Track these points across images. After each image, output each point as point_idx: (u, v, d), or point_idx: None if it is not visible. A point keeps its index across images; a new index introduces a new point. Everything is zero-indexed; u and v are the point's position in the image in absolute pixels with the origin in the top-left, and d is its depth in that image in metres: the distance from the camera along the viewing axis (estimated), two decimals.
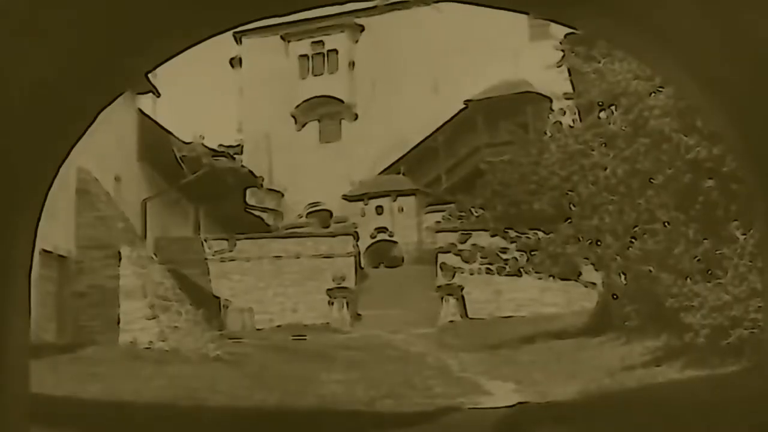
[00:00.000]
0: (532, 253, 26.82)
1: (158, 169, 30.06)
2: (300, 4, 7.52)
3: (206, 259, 36.94)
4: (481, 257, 35.71)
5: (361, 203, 49.57)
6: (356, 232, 42.97)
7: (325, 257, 39.02)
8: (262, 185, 49.12)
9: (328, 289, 36.09)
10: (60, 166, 7.04)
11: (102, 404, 11.89)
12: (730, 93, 6.45)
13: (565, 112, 27.64)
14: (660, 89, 16.10)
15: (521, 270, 28.84)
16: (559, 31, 22.51)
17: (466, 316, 35.26)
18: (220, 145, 46.56)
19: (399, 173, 50.89)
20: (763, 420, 6.70)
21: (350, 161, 52.27)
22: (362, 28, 55.40)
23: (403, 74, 51.79)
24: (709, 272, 14.20)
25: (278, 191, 54.39)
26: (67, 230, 20.14)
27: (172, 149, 31.49)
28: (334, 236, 41.29)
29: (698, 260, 14.56)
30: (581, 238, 22.80)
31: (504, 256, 30.45)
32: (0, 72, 5.93)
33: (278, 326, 35.28)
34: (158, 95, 27.95)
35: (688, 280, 14.47)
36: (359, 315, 35.84)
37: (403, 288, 37.71)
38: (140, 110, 27.43)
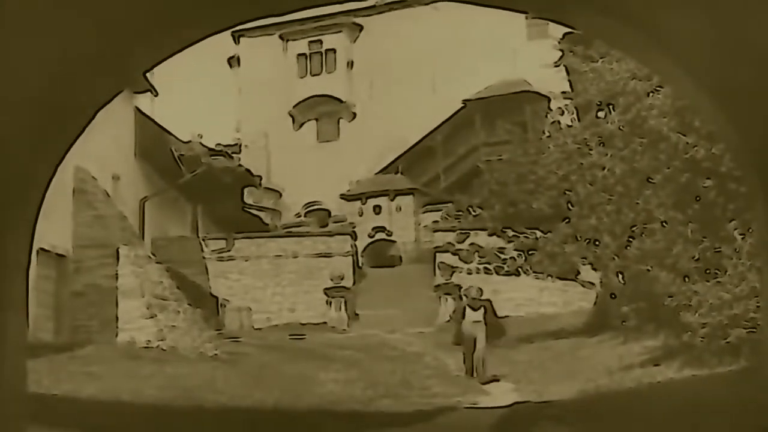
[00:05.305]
0: (530, 252, 26.83)
1: (156, 168, 30.03)
2: (298, 3, 7.51)
3: (204, 258, 36.93)
4: (479, 256, 35.79)
5: (359, 202, 49.59)
6: (354, 232, 42.99)
7: (323, 256, 39.04)
8: (260, 184, 49.11)
9: (326, 289, 36.09)
10: (58, 165, 7.04)
11: (99, 403, 11.86)
12: (728, 92, 6.46)
13: (563, 112, 27.65)
14: (658, 89, 16.13)
15: (519, 269, 28.86)
16: (558, 30, 22.52)
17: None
18: (218, 144, 46.52)
19: (397, 172, 50.90)
20: (761, 420, 6.70)
21: (348, 160, 52.26)
22: (360, 28, 55.43)
23: (401, 74, 51.78)
24: (708, 271, 14.19)
25: (276, 190, 54.38)
26: (65, 229, 20.12)
27: (170, 148, 31.48)
28: (332, 235, 41.29)
29: (697, 259, 14.55)
30: (579, 238, 22.80)
31: (502, 256, 30.49)
32: None
33: (276, 325, 35.29)
34: (156, 94, 27.91)
35: (687, 279, 14.46)
36: (357, 314, 35.83)
37: (401, 287, 37.71)
38: (138, 109, 27.40)
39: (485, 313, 17.72)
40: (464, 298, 18.48)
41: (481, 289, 18.43)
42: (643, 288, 16.33)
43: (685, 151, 14.55)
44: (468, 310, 17.84)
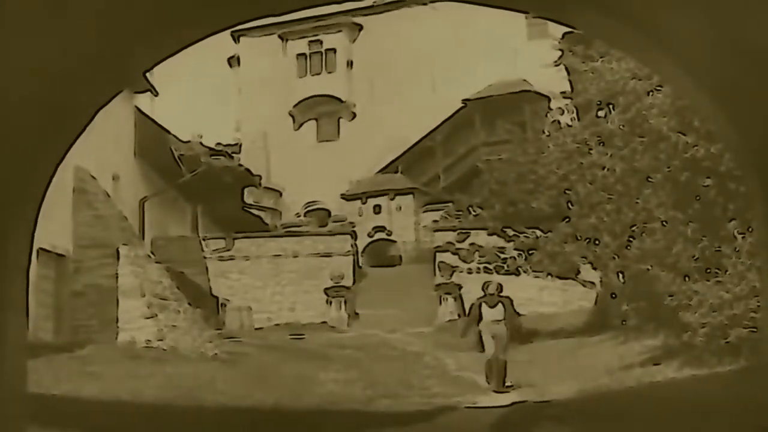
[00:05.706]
0: (531, 252, 26.86)
1: (156, 168, 30.02)
2: (298, 3, 7.51)
3: (204, 257, 36.89)
4: (479, 256, 35.82)
5: (359, 202, 49.63)
6: (354, 231, 43.00)
7: (323, 256, 39.07)
8: (260, 184, 49.14)
9: (326, 288, 36.10)
10: (58, 165, 7.03)
11: (100, 403, 11.86)
12: (728, 92, 6.45)
13: (563, 111, 27.69)
14: (658, 88, 16.12)
15: (519, 269, 28.88)
16: (558, 30, 22.55)
17: (465, 315, 35.24)
18: (218, 144, 46.54)
19: (397, 172, 50.94)
20: (761, 420, 6.69)
21: (348, 160, 52.29)
22: (360, 28, 55.47)
23: (401, 73, 51.84)
24: (708, 271, 14.18)
25: (276, 190, 54.40)
26: (65, 229, 20.09)
27: (170, 148, 31.46)
28: (332, 235, 41.34)
29: (696, 259, 14.54)
30: (579, 237, 22.81)
31: (502, 255, 30.50)
32: None
33: (276, 325, 35.30)
34: (156, 94, 27.89)
35: (687, 278, 14.46)
36: (357, 314, 35.84)
37: (401, 287, 37.70)
38: (138, 109, 27.38)
39: (505, 311, 16.01)
40: (482, 293, 16.56)
41: (500, 285, 16.82)
42: (643, 287, 16.32)
43: (685, 151, 14.55)
44: (485, 309, 15.99)
